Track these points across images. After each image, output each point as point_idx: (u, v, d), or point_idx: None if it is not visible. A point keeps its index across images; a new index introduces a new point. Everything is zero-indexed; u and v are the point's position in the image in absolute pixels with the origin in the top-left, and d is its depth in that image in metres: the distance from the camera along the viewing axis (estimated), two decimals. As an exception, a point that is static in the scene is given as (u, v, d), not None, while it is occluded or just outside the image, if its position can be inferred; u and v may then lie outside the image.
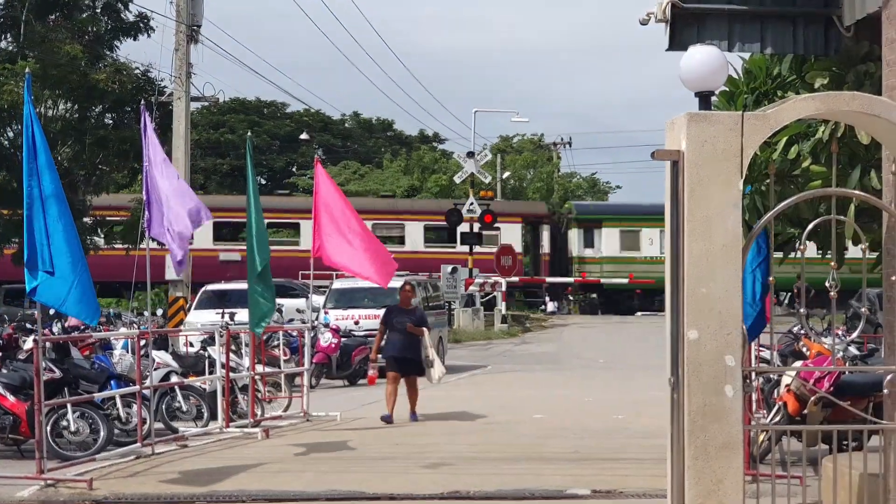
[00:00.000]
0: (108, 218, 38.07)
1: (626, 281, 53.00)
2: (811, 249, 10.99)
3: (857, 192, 10.40)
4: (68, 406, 14.50)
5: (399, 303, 18.96)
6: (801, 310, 10.05)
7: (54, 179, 12.51)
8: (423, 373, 18.36)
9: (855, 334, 11.20)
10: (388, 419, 17.86)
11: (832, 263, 9.45)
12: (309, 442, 15.92)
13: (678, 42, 11.42)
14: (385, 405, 18.09)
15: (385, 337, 18.59)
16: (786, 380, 12.95)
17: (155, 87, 32.98)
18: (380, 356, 18.85)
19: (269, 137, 75.96)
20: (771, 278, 9.96)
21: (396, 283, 29.62)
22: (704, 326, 8.86)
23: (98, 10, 34.19)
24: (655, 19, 11.43)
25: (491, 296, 47.42)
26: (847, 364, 13.47)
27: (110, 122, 34.43)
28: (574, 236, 53.95)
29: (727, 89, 12.68)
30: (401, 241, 51.20)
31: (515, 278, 49.01)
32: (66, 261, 12.36)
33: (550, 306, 54.61)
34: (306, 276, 18.29)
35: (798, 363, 14.71)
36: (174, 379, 17.20)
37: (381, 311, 28.80)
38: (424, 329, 18.40)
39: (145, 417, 14.91)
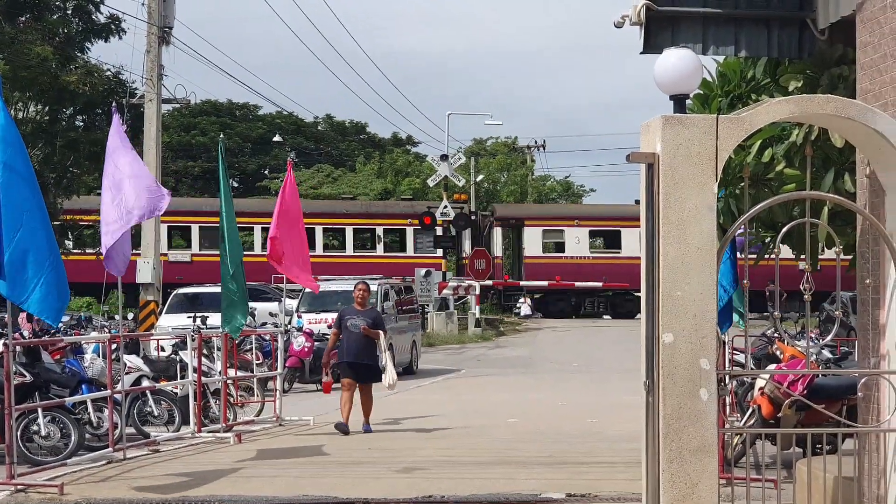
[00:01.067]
0: (78, 221, 37.87)
1: (550, 283, 52.34)
2: (785, 252, 10.98)
3: (831, 195, 10.41)
4: (39, 410, 14.40)
5: (354, 303, 17.88)
6: (775, 313, 10.04)
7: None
8: (379, 378, 17.44)
9: (829, 338, 11.18)
10: (343, 428, 17.07)
11: (806, 266, 9.45)
12: (282, 447, 15.86)
13: (653, 45, 11.40)
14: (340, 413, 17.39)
15: (339, 340, 17.61)
16: (759, 383, 12.94)
17: (126, 89, 32.84)
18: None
19: (241, 140, 75.80)
20: (745, 281, 9.95)
21: (371, 285, 29.73)
22: (679, 330, 8.84)
23: (69, 12, 34.01)
24: (630, 22, 11.40)
25: (464, 299, 47.36)
26: (821, 367, 13.49)
27: (81, 124, 34.26)
28: (497, 237, 53.33)
29: (701, 92, 12.68)
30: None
31: (489, 282, 48.94)
32: (33, 259, 12.30)
33: (525, 309, 54.56)
34: (279, 280, 18.10)
35: (772, 366, 14.72)
36: (146, 383, 17.11)
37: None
38: (380, 332, 17.43)
39: (117, 422, 14.81)
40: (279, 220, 17.70)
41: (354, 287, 18.05)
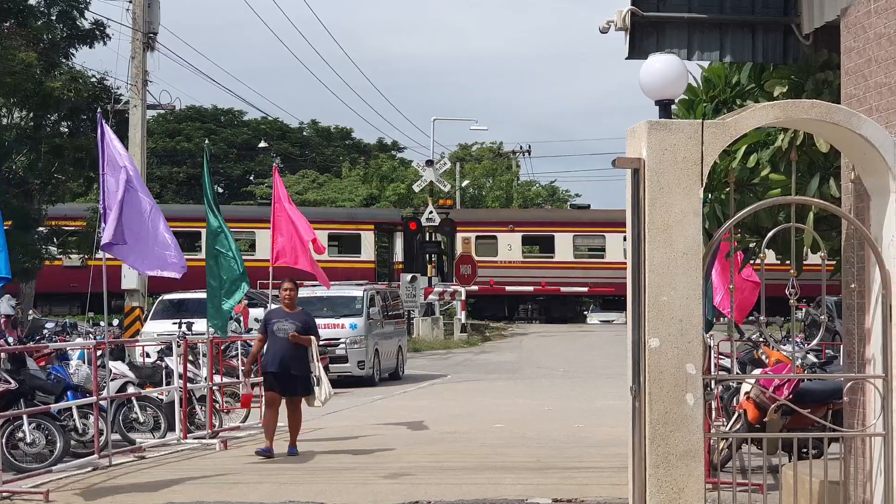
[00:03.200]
0: (63, 227, 37.77)
1: (482, 287, 52.11)
2: (770, 256, 11.01)
3: (816, 200, 10.44)
4: (24, 417, 14.34)
5: (281, 305, 15.68)
6: (761, 317, 10.07)
7: None
8: (310, 391, 15.39)
9: (814, 342, 11.21)
10: (267, 453, 15.10)
11: (791, 271, 9.47)
12: (268, 452, 15.80)
13: (638, 50, 11.43)
14: (264, 435, 15.59)
15: (264, 347, 15.60)
16: (745, 388, 12.97)
17: (111, 95, 32.79)
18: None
19: (226, 146, 75.64)
20: (731, 286, 9.97)
21: (356, 291, 29.76)
22: (665, 334, 8.85)
23: (53, 18, 33.98)
24: (615, 27, 11.43)
25: (450, 304, 47.33)
26: (806, 372, 13.52)
27: (66, 130, 34.20)
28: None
29: (687, 98, 12.71)
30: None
31: (475, 287, 48.90)
32: None
33: None
34: (264, 286, 18.01)
35: (757, 371, 14.75)
36: (131, 390, 17.06)
37: (342, 321, 29.10)
38: (311, 338, 15.31)
39: (102, 429, 14.77)
40: (277, 229, 17.90)
41: (281, 286, 15.70)
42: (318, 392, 15.28)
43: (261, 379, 15.95)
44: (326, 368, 16.74)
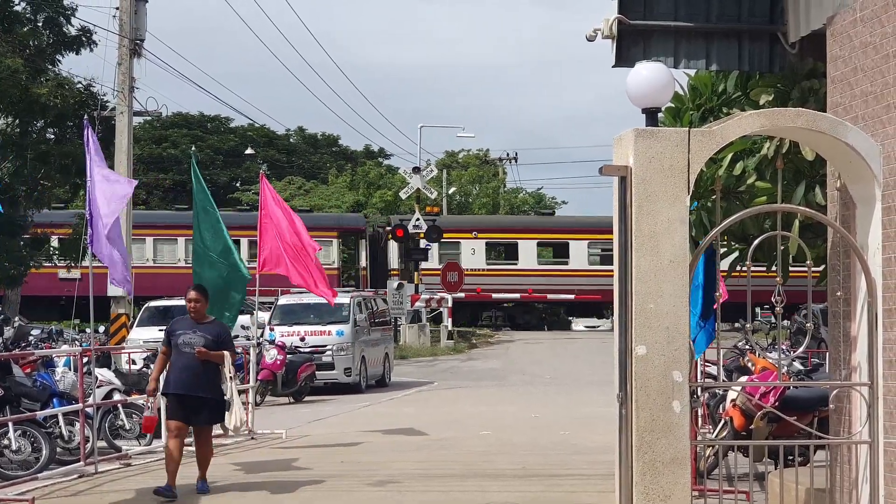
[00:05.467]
0: (50, 234, 37.70)
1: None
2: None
3: (802, 207, 10.47)
4: (10, 424, 14.30)
5: (188, 315, 13.21)
6: (747, 325, 10.09)
7: None
8: (221, 418, 13.29)
9: (800, 350, 11.24)
10: (167, 493, 12.55)
11: (777, 279, 9.50)
12: (254, 460, 15.79)
13: (625, 58, 11.46)
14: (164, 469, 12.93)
15: (168, 364, 13.06)
16: (731, 395, 12.99)
17: (97, 101, 32.73)
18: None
19: (212, 152, 75.57)
20: (717, 293, 10.00)
21: (343, 298, 29.71)
22: (652, 342, 8.88)
23: (40, 24, 33.93)
24: (602, 35, 11.46)
25: (437, 311, 47.32)
26: (792, 379, 13.55)
27: (52, 136, 34.15)
28: (393, 250, 52.93)
29: (673, 106, 12.74)
30: None
31: (462, 294, 48.88)
32: None
33: None
34: (251, 293, 17.98)
35: (743, 378, 14.78)
36: (117, 397, 17.02)
37: (329, 328, 29.08)
38: (225, 353, 12.91)
39: (88, 436, 14.73)
40: (264, 236, 17.85)
41: (185, 295, 13.36)
42: (227, 418, 13.24)
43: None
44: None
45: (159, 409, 14.26)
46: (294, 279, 18.00)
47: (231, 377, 13.01)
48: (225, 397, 13.11)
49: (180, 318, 13.38)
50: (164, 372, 13.15)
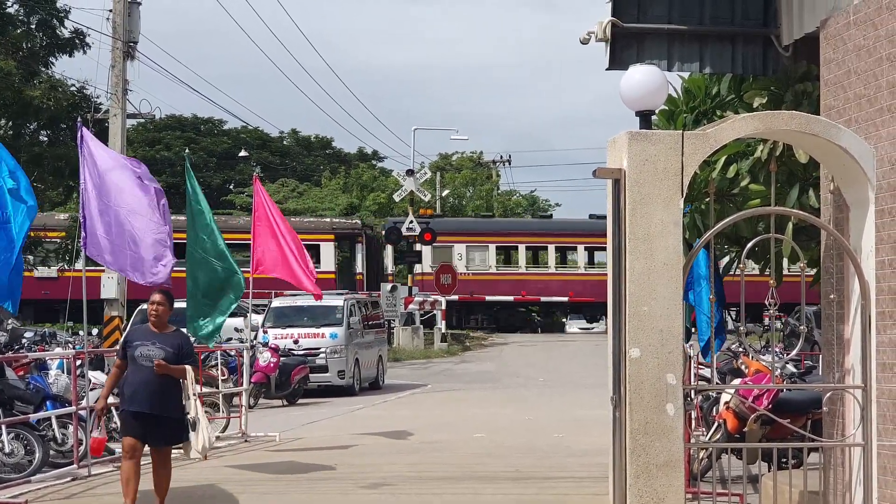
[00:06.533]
0: (42, 238, 37.63)
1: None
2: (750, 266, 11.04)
3: (795, 210, 10.48)
4: (3, 427, 14.27)
5: (149, 323, 11.85)
6: (741, 327, 10.10)
7: None
8: (182, 438, 11.79)
9: (794, 352, 11.25)
10: None
11: (771, 281, 9.51)
12: (247, 463, 15.78)
13: (618, 61, 11.47)
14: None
15: (124, 378, 11.71)
16: (725, 397, 12.99)
17: (91, 103, 32.70)
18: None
19: (206, 155, 75.52)
20: (711, 296, 10.01)
21: (337, 300, 29.69)
22: (646, 345, 8.88)
23: (33, 26, 33.87)
24: (596, 38, 11.46)
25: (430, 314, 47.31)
26: (785, 382, 13.56)
27: (45, 139, 34.11)
28: (389, 253, 52.99)
29: (667, 108, 12.75)
30: None
31: (455, 297, 48.87)
32: None
33: None
34: (245, 295, 17.92)
35: (737, 381, 14.78)
36: (111, 399, 16.97)
37: (322, 330, 29.05)
38: (186, 367, 11.59)
39: (81, 438, 14.71)
40: (257, 238, 17.87)
41: (149, 299, 11.90)
42: (193, 439, 11.73)
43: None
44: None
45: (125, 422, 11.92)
46: (292, 281, 18.06)
47: (195, 394, 11.65)
48: (188, 416, 11.68)
49: (139, 328, 12.21)
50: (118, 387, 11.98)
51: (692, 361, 13.03)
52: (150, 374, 11.37)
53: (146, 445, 11.61)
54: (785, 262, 11.68)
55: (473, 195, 72.83)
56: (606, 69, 11.60)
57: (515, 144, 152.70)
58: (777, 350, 16.72)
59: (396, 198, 50.81)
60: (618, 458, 8.97)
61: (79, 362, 15.72)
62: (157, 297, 11.79)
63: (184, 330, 12.94)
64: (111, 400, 12.55)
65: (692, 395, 9.63)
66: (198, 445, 11.75)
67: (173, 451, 12.05)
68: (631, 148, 9.00)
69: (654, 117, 10.62)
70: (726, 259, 12.76)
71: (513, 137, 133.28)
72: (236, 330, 30.43)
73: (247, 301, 19.44)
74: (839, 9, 9.96)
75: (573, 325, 56.06)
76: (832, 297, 9.79)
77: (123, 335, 12.31)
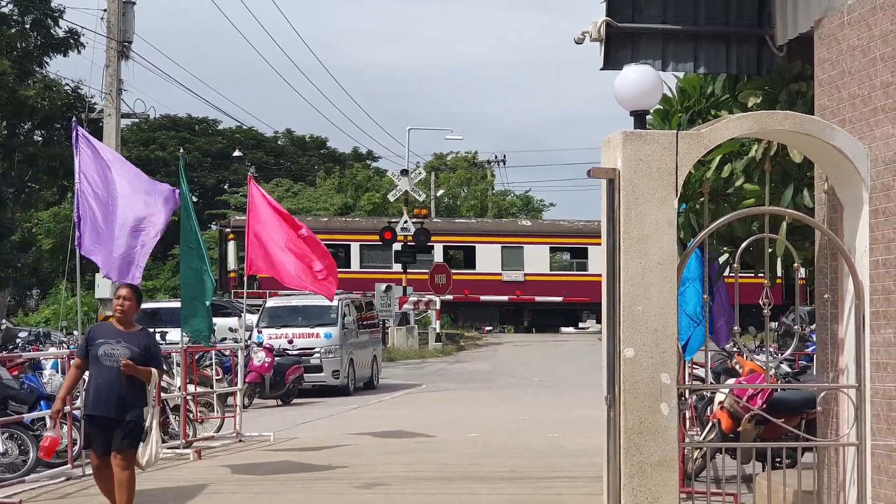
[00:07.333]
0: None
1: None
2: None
3: (789, 210, 10.49)
4: (-3, 427, 14.27)
5: (113, 320, 11.20)
6: (735, 327, 10.11)
7: None
8: (136, 445, 10.93)
9: (788, 352, 11.27)
10: None
11: (765, 282, 9.51)
12: (241, 463, 15.78)
13: (613, 61, 11.46)
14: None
15: (87, 380, 11.09)
16: (719, 397, 13.01)
17: (85, 103, 32.69)
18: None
19: (200, 154, 75.43)
20: (705, 296, 10.01)
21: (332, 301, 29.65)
22: (640, 344, 8.88)
23: (27, 26, 33.88)
24: (590, 38, 11.46)
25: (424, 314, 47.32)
26: (780, 382, 13.57)
27: (40, 139, 34.12)
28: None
29: (661, 108, 12.75)
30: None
31: (450, 296, 48.89)
32: None
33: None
34: (239, 295, 17.89)
35: (731, 381, 14.80)
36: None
37: (317, 330, 29.05)
38: (153, 370, 10.86)
39: (75, 438, 14.70)
40: (251, 239, 17.85)
41: (114, 294, 11.33)
42: (141, 449, 10.88)
43: None
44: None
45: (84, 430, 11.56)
46: (286, 281, 17.98)
47: (154, 404, 10.94)
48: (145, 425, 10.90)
49: (102, 324, 11.65)
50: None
51: (686, 361, 13.04)
52: (115, 375, 10.63)
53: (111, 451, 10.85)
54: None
55: (468, 195, 72.84)
56: (601, 69, 11.60)
57: (511, 144, 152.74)
58: (771, 350, 16.75)
59: (391, 198, 50.85)
60: (612, 458, 8.98)
61: (73, 362, 15.70)
62: (123, 291, 11.08)
63: (150, 329, 12.34)
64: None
65: (686, 395, 9.63)
66: (142, 458, 10.91)
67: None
68: (625, 148, 9.00)
69: (648, 117, 10.62)
70: (722, 258, 12.75)
71: (508, 137, 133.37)
72: (231, 330, 30.43)
73: (241, 301, 19.42)
74: (833, 9, 9.97)
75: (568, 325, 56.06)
76: (826, 296, 9.80)
77: (87, 332, 11.50)
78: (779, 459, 11.58)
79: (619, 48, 11.52)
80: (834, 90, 9.93)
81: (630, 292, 8.92)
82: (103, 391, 10.68)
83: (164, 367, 11.16)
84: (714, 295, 13.32)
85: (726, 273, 13.12)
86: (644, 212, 8.96)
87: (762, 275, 9.99)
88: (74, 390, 13.36)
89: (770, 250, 10.35)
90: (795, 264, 9.76)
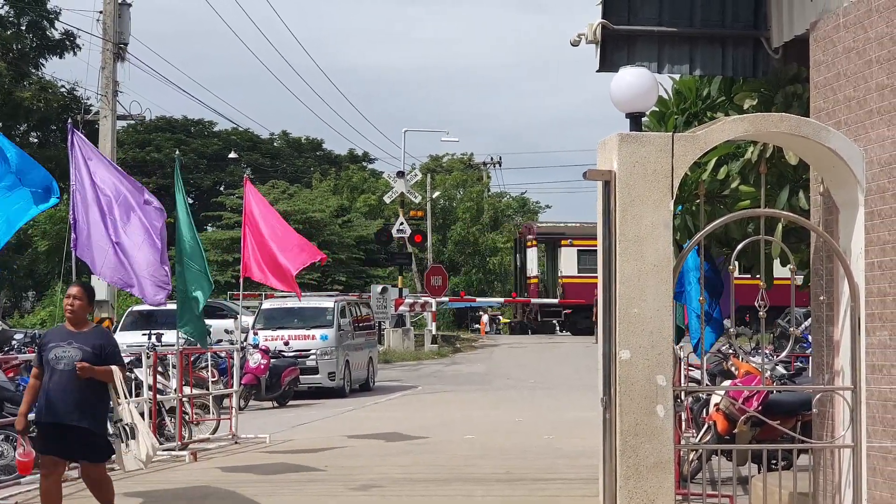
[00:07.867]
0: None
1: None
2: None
3: (785, 212, 10.50)
4: (-8, 429, 14.25)
5: (66, 323, 10.48)
6: (731, 329, 10.11)
7: None
8: (104, 452, 10.49)
9: (784, 354, 11.27)
10: None
11: (761, 283, 9.52)
12: (237, 465, 15.77)
13: (609, 63, 11.47)
14: None
15: (42, 386, 10.24)
16: (715, 399, 13.01)
17: (81, 105, 32.69)
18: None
19: (196, 156, 75.37)
20: (701, 297, 10.02)
21: (327, 302, 29.68)
22: (636, 346, 8.89)
23: (23, 28, 33.86)
24: (586, 40, 11.46)
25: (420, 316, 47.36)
26: (775, 384, 13.57)
27: (35, 140, 34.10)
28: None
29: (658, 110, 12.76)
30: None
31: (446, 297, 48.93)
32: None
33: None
34: (236, 297, 17.89)
35: (727, 382, 14.80)
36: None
37: (313, 332, 29.03)
38: (113, 368, 10.23)
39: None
40: (247, 240, 17.85)
41: (65, 294, 10.56)
42: (134, 448, 10.50)
43: None
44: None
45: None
46: (271, 283, 18.05)
47: (126, 399, 10.41)
48: (123, 423, 10.46)
49: (54, 328, 11.00)
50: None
51: (682, 363, 13.05)
52: (68, 378, 10.02)
53: (71, 462, 10.42)
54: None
55: (464, 197, 72.84)
56: (597, 71, 11.61)
57: (507, 146, 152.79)
58: (767, 352, 16.75)
59: (387, 199, 50.88)
60: (608, 460, 8.98)
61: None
62: (73, 289, 10.40)
63: (103, 327, 11.66)
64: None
65: (682, 397, 9.64)
66: (140, 454, 10.49)
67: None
68: (621, 150, 9.01)
69: (644, 119, 10.63)
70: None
71: (504, 139, 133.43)
72: (227, 332, 30.42)
73: (237, 302, 19.42)
74: (829, 11, 9.98)
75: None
76: (822, 298, 9.81)
77: (40, 338, 10.89)
78: (774, 461, 11.59)
79: (615, 50, 11.53)
80: (829, 92, 9.95)
81: (626, 294, 8.93)
82: (56, 396, 10.06)
83: (125, 364, 10.57)
84: (723, 295, 13.34)
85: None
86: (640, 214, 8.97)
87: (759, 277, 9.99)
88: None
89: (766, 252, 10.36)
90: (790, 266, 9.76)
